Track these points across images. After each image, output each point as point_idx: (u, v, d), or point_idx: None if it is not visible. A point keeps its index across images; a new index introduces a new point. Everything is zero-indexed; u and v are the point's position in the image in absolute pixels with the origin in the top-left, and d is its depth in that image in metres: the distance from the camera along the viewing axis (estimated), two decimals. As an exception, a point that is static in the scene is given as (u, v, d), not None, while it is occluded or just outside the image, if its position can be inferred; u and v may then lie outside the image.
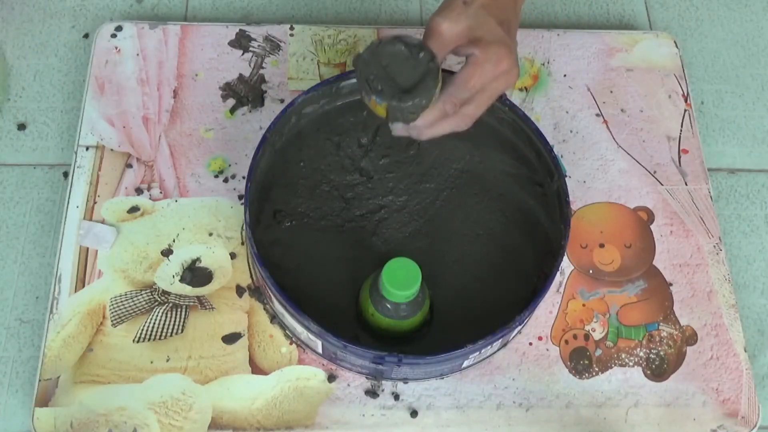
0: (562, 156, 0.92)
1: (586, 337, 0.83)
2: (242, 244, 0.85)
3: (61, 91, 0.96)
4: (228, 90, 0.94)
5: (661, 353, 0.83)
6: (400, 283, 0.71)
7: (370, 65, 0.67)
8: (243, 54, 0.96)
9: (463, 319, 0.79)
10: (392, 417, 0.79)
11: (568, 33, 1.00)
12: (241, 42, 0.97)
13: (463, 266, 0.83)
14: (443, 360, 0.74)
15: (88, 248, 0.84)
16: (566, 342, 0.83)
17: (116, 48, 0.95)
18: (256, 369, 0.80)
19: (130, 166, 0.89)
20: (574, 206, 0.89)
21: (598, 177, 0.91)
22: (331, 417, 0.79)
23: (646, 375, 0.82)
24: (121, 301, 0.82)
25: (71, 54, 0.99)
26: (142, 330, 0.81)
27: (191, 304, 0.82)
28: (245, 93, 0.94)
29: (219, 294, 0.83)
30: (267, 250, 0.79)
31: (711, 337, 0.84)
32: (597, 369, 0.82)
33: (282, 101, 0.93)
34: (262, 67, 0.95)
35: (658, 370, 0.82)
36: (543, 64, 0.97)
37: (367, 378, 0.80)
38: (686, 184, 0.92)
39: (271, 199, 0.84)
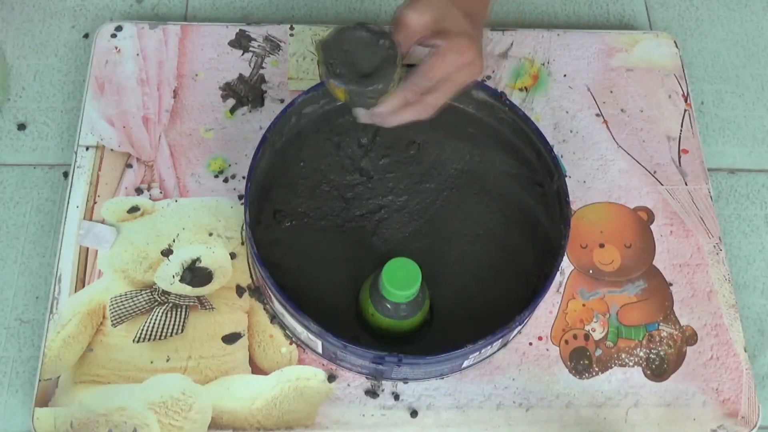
0: (562, 156, 0.92)
1: (586, 337, 0.83)
2: (242, 244, 0.85)
3: (61, 91, 0.96)
4: (228, 90, 0.94)
5: (661, 353, 0.83)
6: (400, 283, 0.71)
7: (332, 50, 0.68)
8: (243, 54, 0.96)
9: (463, 319, 0.79)
10: (392, 417, 0.79)
11: (568, 33, 1.00)
12: (241, 42, 0.97)
13: (463, 266, 0.83)
14: (443, 360, 0.74)
15: (88, 248, 0.84)
16: (566, 342, 0.83)
17: (116, 48, 0.95)
18: (256, 369, 0.80)
19: (130, 166, 0.89)
20: (574, 206, 0.89)
21: (598, 177, 0.91)
22: (331, 417, 0.79)
23: (646, 375, 0.82)
24: (121, 301, 0.82)
25: (71, 54, 0.99)
26: (142, 330, 0.81)
27: (191, 304, 0.82)
28: (245, 93, 0.94)
29: (219, 294, 0.83)
30: (267, 250, 0.79)
31: (711, 337, 0.84)
32: (597, 369, 0.82)
33: (282, 101, 0.93)
34: (262, 67, 0.95)
35: (658, 370, 0.82)
36: (543, 64, 0.97)
37: (367, 378, 0.80)
38: (686, 184, 0.92)
39: (271, 199, 0.84)
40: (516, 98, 0.94)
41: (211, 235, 0.86)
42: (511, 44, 0.98)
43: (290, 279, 0.79)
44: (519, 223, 0.85)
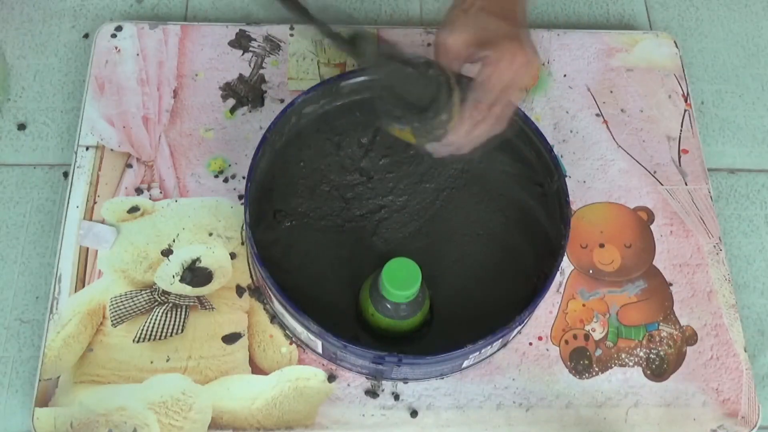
0: (562, 156, 0.92)
1: (586, 337, 0.83)
2: (242, 244, 0.85)
3: (61, 91, 0.96)
4: (228, 90, 0.94)
5: (661, 353, 0.83)
6: (400, 283, 0.71)
7: (385, 98, 0.66)
8: (243, 54, 0.96)
9: (463, 319, 0.79)
10: (392, 417, 0.79)
11: (568, 33, 1.00)
12: (241, 42, 0.97)
13: (463, 266, 0.83)
14: (443, 360, 0.74)
15: (88, 248, 0.84)
16: (566, 342, 0.83)
17: (116, 48, 0.95)
18: (256, 369, 0.80)
19: (130, 166, 0.89)
20: (574, 206, 0.89)
21: (598, 177, 0.91)
22: (331, 417, 0.79)
23: (646, 375, 0.82)
24: (121, 301, 0.82)
25: (71, 54, 0.99)
26: (142, 330, 0.81)
27: (191, 304, 0.82)
28: (245, 93, 0.94)
29: (219, 294, 0.83)
30: (267, 250, 0.79)
31: (711, 337, 0.84)
32: (597, 369, 0.82)
33: (282, 101, 0.93)
34: (262, 67, 0.95)
35: (658, 370, 0.82)
36: (543, 64, 0.97)
37: (367, 378, 0.80)
38: (686, 184, 0.92)
39: (271, 199, 0.84)
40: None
41: (211, 235, 0.86)
42: (511, 44, 0.98)
43: (290, 279, 0.79)
44: (519, 223, 0.85)
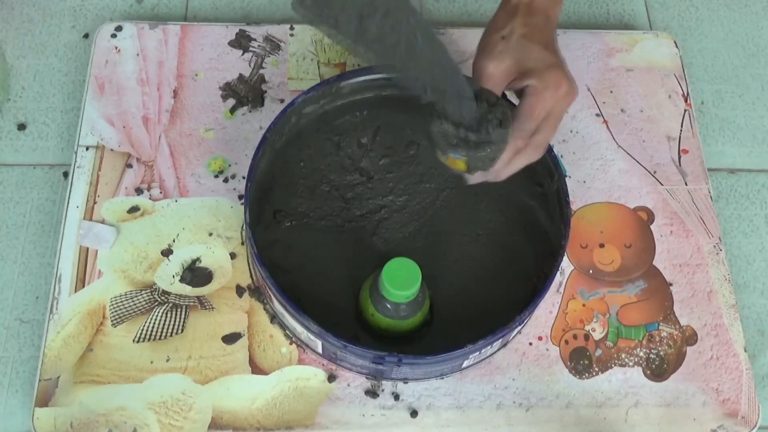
0: (562, 156, 0.92)
1: (586, 337, 0.83)
2: (242, 244, 0.85)
3: (61, 91, 0.96)
4: (228, 90, 0.94)
5: (661, 353, 0.83)
6: (400, 283, 0.71)
7: (441, 123, 0.64)
8: (243, 54, 0.96)
9: (463, 319, 0.79)
10: (392, 417, 0.79)
11: (568, 33, 1.00)
12: (241, 42, 0.97)
13: (463, 266, 0.83)
14: (443, 360, 0.74)
15: (88, 248, 0.84)
16: (566, 342, 0.83)
17: (116, 48, 0.95)
18: (256, 369, 0.80)
19: (130, 166, 0.89)
20: (574, 206, 0.89)
21: (598, 177, 0.91)
22: (331, 417, 0.79)
23: (646, 375, 0.82)
24: (121, 301, 0.82)
25: (71, 54, 0.99)
26: (142, 330, 0.81)
27: (191, 304, 0.82)
28: (245, 93, 0.94)
29: (219, 294, 0.83)
30: (267, 250, 0.79)
31: (711, 337, 0.84)
32: (597, 369, 0.82)
33: (282, 101, 0.93)
34: (262, 67, 0.95)
35: (658, 370, 0.83)
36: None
37: (367, 378, 0.80)
38: (686, 184, 0.92)
39: (271, 199, 0.84)
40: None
41: (211, 235, 0.86)
42: (511, 44, 0.98)
43: (290, 279, 0.79)
44: (519, 223, 0.85)
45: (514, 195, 0.85)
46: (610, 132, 0.94)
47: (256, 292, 0.83)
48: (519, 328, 0.80)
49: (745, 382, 0.82)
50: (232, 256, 0.85)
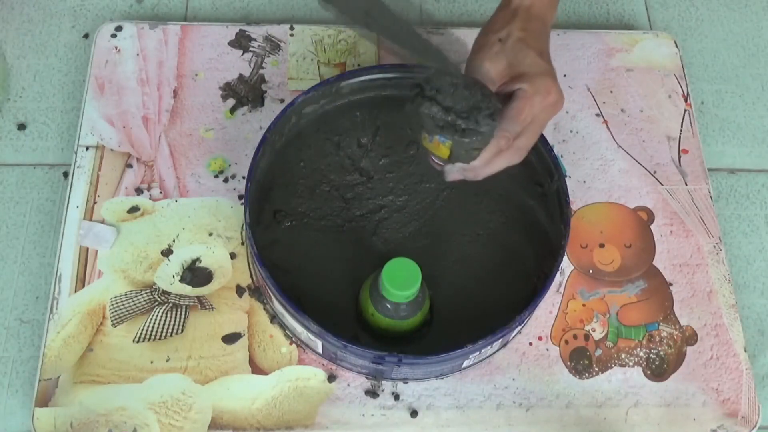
0: (562, 156, 0.92)
1: (586, 337, 0.83)
2: (242, 244, 0.85)
3: (61, 91, 0.96)
4: (228, 90, 0.94)
5: (661, 353, 0.83)
6: (400, 283, 0.71)
7: (432, 105, 0.65)
8: (243, 54, 0.96)
9: (463, 319, 0.79)
10: (392, 417, 0.79)
11: (568, 33, 1.00)
12: (241, 42, 0.97)
13: (463, 266, 0.83)
14: (443, 360, 0.74)
15: (88, 248, 0.84)
16: (566, 342, 0.83)
17: (116, 48, 0.95)
18: (256, 369, 0.80)
19: (130, 166, 0.89)
20: (574, 206, 0.89)
21: (598, 177, 0.91)
22: (331, 417, 0.79)
23: (646, 375, 0.82)
24: (121, 301, 0.82)
25: (71, 54, 0.99)
26: (142, 330, 0.81)
27: (191, 304, 0.82)
28: (245, 93, 0.94)
29: (219, 294, 0.83)
30: (267, 250, 0.79)
31: (711, 337, 0.84)
32: (597, 369, 0.82)
33: (282, 101, 0.93)
34: (262, 67, 0.95)
35: (658, 370, 0.83)
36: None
37: (367, 378, 0.80)
38: (686, 184, 0.92)
39: (271, 199, 0.84)
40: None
41: (211, 235, 0.86)
42: (511, 44, 0.98)
43: (290, 279, 0.79)
44: (519, 223, 0.85)
45: (514, 195, 0.85)
46: (610, 132, 0.94)
47: (256, 292, 0.83)
48: (519, 328, 0.80)
49: (745, 382, 0.82)
50: (232, 256, 0.85)
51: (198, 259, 0.84)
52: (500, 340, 0.78)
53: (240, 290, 0.83)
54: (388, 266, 0.72)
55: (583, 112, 0.95)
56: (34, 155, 0.92)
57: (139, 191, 0.87)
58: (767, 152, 0.98)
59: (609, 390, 0.81)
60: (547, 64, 0.69)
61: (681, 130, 0.95)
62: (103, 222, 0.86)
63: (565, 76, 0.97)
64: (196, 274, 0.83)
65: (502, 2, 0.72)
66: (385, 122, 0.87)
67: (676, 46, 1.00)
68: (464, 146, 0.65)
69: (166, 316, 0.81)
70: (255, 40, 0.97)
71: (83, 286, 0.83)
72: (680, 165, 0.93)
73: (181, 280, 0.83)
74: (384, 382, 0.80)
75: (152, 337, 0.81)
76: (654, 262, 0.87)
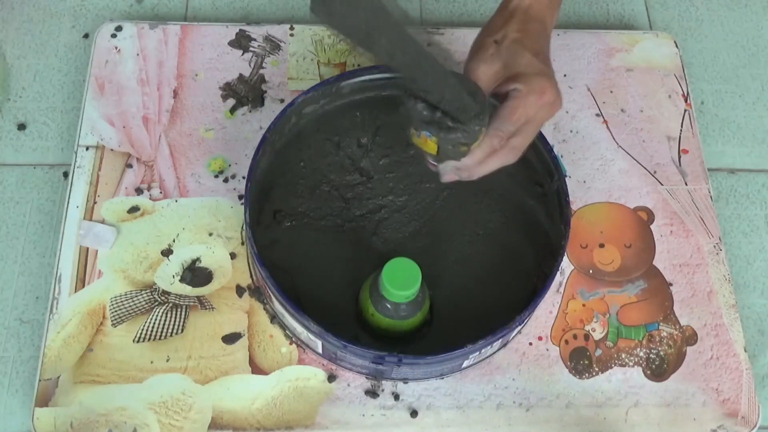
0: (562, 156, 0.92)
1: (586, 337, 0.83)
2: (242, 244, 0.85)
3: (61, 91, 0.96)
4: (228, 90, 0.94)
5: (661, 353, 0.83)
6: (400, 283, 0.71)
7: (420, 102, 0.65)
8: (243, 54, 0.96)
9: (463, 319, 0.79)
10: (392, 417, 0.79)
11: (568, 33, 1.00)
12: (241, 42, 0.97)
13: (463, 266, 0.83)
14: (443, 360, 0.74)
15: (88, 248, 0.84)
16: (566, 342, 0.83)
17: (116, 48, 0.95)
18: (256, 369, 0.80)
19: (130, 166, 0.89)
20: (574, 206, 0.89)
21: (598, 177, 0.91)
22: (331, 417, 0.79)
23: (646, 375, 0.82)
24: (121, 301, 0.82)
25: (71, 54, 0.99)
26: (142, 330, 0.81)
27: (191, 304, 0.82)
28: (245, 93, 0.94)
29: (219, 294, 0.83)
30: (267, 250, 0.79)
31: (711, 337, 0.84)
32: (597, 369, 0.82)
33: (282, 101, 0.93)
34: (262, 67, 0.95)
35: (658, 370, 0.83)
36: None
37: (367, 378, 0.80)
38: (686, 184, 0.92)
39: (271, 199, 0.84)
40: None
41: (211, 235, 0.86)
42: (511, 44, 0.98)
43: (290, 279, 0.79)
44: (519, 223, 0.85)
45: (514, 195, 0.85)
46: (610, 132, 0.94)
47: (256, 292, 0.83)
48: (519, 328, 0.80)
49: (745, 382, 0.82)
50: (232, 256, 0.85)
51: (198, 259, 0.84)
52: (500, 340, 0.78)
53: (240, 290, 0.83)
54: (388, 266, 0.72)
55: (583, 112, 0.95)
56: (34, 155, 0.92)
57: (139, 191, 0.87)
58: (767, 152, 0.98)
59: (609, 390, 0.81)
60: (543, 64, 0.69)
61: (681, 130, 0.95)
62: (103, 222, 0.86)
63: (565, 76, 0.97)
64: (196, 274, 0.83)
65: (500, 4, 0.72)
66: (385, 122, 0.87)
67: (676, 46, 1.00)
68: (450, 142, 0.66)
69: (166, 316, 0.81)
70: (255, 40, 0.97)
71: (83, 286, 0.83)
72: (680, 165, 0.93)
73: (181, 280, 0.83)
74: (384, 382, 0.80)
75: (152, 337, 0.81)
76: (654, 262, 0.87)
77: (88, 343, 0.80)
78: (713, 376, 0.82)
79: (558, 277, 0.85)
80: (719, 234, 0.89)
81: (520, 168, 0.84)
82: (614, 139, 0.94)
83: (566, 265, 0.87)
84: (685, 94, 0.97)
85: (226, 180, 0.89)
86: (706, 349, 0.84)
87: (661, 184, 0.91)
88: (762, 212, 0.94)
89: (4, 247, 0.87)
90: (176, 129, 0.91)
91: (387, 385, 0.80)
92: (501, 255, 0.84)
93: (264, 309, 0.83)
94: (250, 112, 0.93)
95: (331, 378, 0.80)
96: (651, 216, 0.90)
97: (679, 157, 0.93)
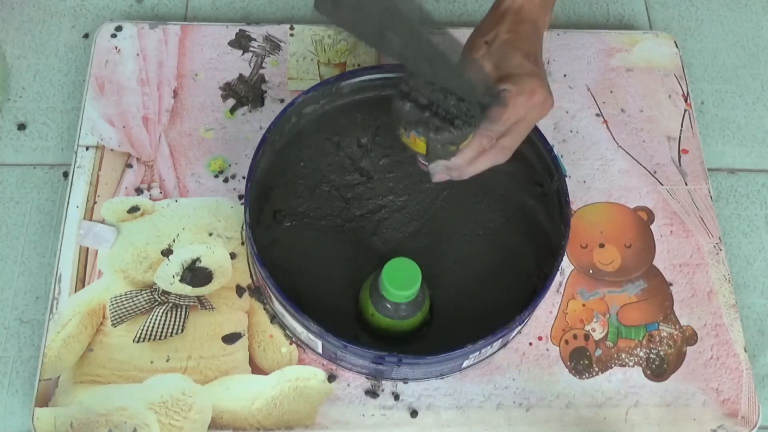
0: (562, 156, 0.92)
1: (586, 337, 0.83)
2: (242, 244, 0.85)
3: (61, 91, 0.96)
4: (228, 90, 0.94)
5: (661, 353, 0.83)
6: (400, 283, 0.71)
7: (408, 102, 0.66)
8: (243, 54, 0.96)
9: (463, 319, 0.79)
10: (392, 417, 0.79)
11: (568, 33, 1.00)
12: (241, 42, 0.97)
13: (463, 266, 0.83)
14: (443, 360, 0.74)
15: (88, 248, 0.84)
16: (566, 342, 0.83)
17: (116, 48, 0.95)
18: (256, 369, 0.80)
19: (130, 166, 0.89)
20: (574, 206, 0.89)
21: (598, 177, 0.91)
22: (331, 417, 0.79)
23: (646, 375, 0.82)
24: (121, 301, 0.82)
25: (71, 54, 0.99)
26: (142, 330, 0.81)
27: (191, 304, 0.82)
28: (245, 93, 0.94)
29: (219, 294, 0.83)
30: (267, 250, 0.79)
31: (711, 337, 0.84)
32: (597, 369, 0.82)
33: (282, 101, 0.93)
34: (262, 67, 0.95)
35: (658, 370, 0.83)
36: (547, 62, 0.97)
37: (367, 378, 0.80)
38: (686, 184, 0.92)
39: (271, 199, 0.84)
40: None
41: (211, 235, 0.86)
42: (511, 44, 0.98)
43: (290, 279, 0.79)
44: (519, 223, 0.85)
45: (514, 195, 0.85)
46: (610, 132, 0.94)
47: (256, 292, 0.83)
48: (519, 328, 0.80)
49: (745, 382, 0.82)
50: (232, 256, 0.85)
51: (198, 259, 0.84)
52: (500, 340, 0.78)
53: (240, 290, 0.83)
54: (388, 266, 0.72)
55: (583, 112, 0.95)
56: (34, 155, 0.92)
57: (139, 191, 0.87)
58: (767, 152, 0.98)
59: (609, 390, 0.81)
60: (533, 65, 0.69)
61: (681, 130, 0.95)
62: (103, 222, 0.86)
63: (565, 76, 0.97)
64: (196, 274, 0.83)
65: (493, 5, 0.72)
66: (385, 122, 0.87)
67: (676, 46, 1.00)
68: (438, 141, 0.66)
69: (166, 316, 0.81)
70: (255, 40, 0.97)
71: (83, 286, 0.83)
72: (680, 165, 0.93)
73: (181, 280, 0.83)
74: (384, 382, 0.80)
75: (152, 337, 0.81)
76: (654, 262, 0.87)
77: (88, 343, 0.80)
78: (713, 376, 0.82)
79: (558, 277, 0.85)
80: (719, 234, 0.89)
81: (520, 168, 0.85)
82: (614, 139, 0.94)
83: (566, 265, 0.87)
84: (685, 94, 0.97)
85: (226, 180, 0.89)
86: (706, 349, 0.84)
87: (661, 184, 0.91)
88: (762, 212, 0.94)
89: (4, 247, 0.87)
90: (176, 129, 0.91)
91: (387, 385, 0.80)
92: (501, 255, 0.84)
93: (264, 309, 0.83)
94: (250, 112, 0.93)
95: (331, 378, 0.80)
96: (651, 216, 0.90)
97: (679, 157, 0.93)
